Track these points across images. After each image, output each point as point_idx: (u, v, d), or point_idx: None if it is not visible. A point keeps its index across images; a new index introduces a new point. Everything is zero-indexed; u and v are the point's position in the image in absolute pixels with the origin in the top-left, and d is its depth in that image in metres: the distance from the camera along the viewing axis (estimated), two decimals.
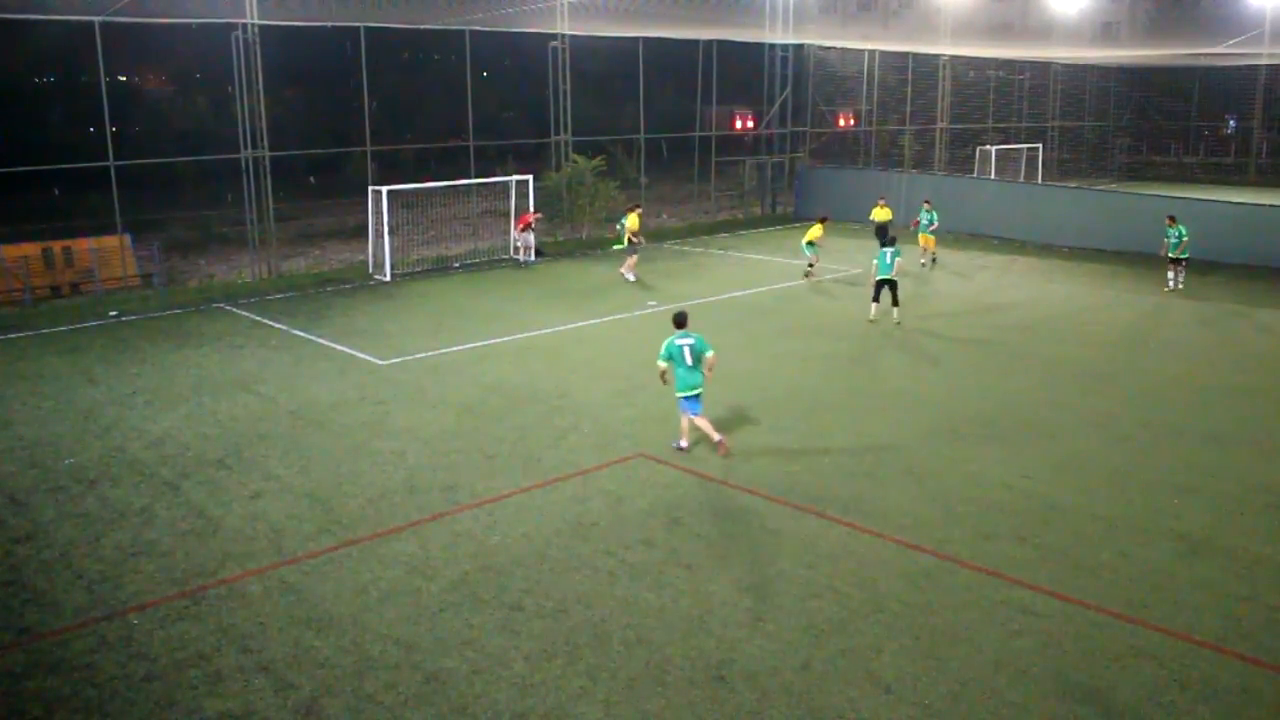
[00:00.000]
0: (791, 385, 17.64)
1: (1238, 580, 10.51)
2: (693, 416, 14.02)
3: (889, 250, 21.94)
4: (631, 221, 27.62)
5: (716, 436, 14.03)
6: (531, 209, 31.23)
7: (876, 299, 22.17)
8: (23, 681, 8.84)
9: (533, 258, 30.95)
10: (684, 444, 14.20)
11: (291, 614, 9.91)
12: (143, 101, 53.21)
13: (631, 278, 27.53)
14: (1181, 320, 22.35)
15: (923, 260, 29.94)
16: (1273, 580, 10.52)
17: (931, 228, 29.64)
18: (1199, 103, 59.90)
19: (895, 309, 22.00)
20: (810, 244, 27.80)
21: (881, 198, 32.50)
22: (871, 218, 31.78)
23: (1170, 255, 25.90)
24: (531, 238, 30.91)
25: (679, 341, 13.82)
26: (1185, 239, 25.63)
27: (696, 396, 13.87)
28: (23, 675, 8.93)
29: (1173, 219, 25.95)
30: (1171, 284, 26.01)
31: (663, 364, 13.80)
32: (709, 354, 13.80)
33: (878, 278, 21.99)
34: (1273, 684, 8.68)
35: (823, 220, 28.87)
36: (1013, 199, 36.45)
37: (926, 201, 30.58)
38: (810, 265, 27.99)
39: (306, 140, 38.84)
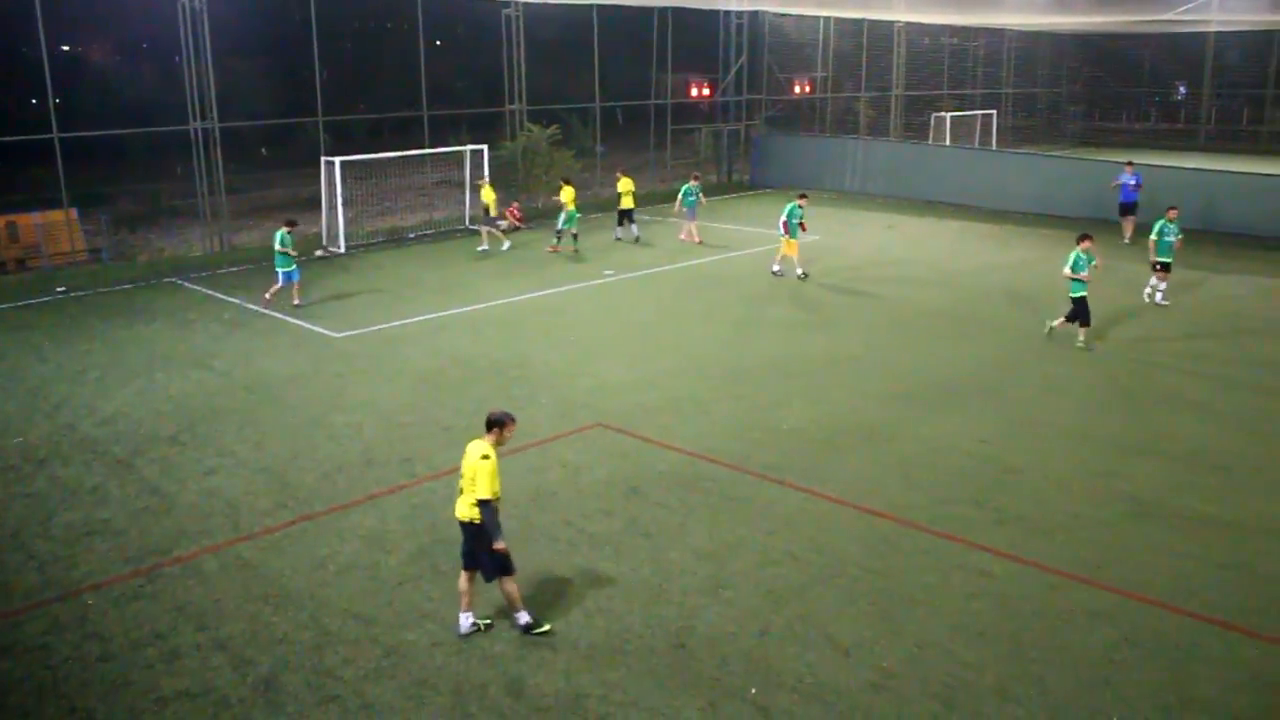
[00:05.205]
0: (749, 353, 17.68)
1: (1186, 540, 10.72)
2: (291, 283, 21.23)
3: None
4: (485, 194, 27.56)
5: (268, 296, 21.10)
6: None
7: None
8: None
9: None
10: (268, 296, 21.16)
11: (248, 590, 9.83)
12: (88, 72, 51.78)
13: (485, 247, 27.32)
14: (1137, 283, 22.50)
15: (776, 268, 23.99)
16: (1219, 539, 10.74)
17: (798, 223, 23.29)
18: (1150, 70, 60.53)
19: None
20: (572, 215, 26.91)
21: (621, 171, 28.90)
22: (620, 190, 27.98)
23: (1160, 259, 20.70)
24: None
25: (277, 232, 20.98)
26: (1180, 239, 20.87)
27: (289, 273, 21.08)
28: None
29: (1174, 210, 20.90)
30: (1150, 294, 21.13)
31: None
32: (289, 248, 20.87)
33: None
34: (1220, 639, 8.88)
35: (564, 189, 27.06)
36: (967, 165, 36.58)
37: (806, 199, 23.94)
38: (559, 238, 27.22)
39: (257, 111, 38.11)
